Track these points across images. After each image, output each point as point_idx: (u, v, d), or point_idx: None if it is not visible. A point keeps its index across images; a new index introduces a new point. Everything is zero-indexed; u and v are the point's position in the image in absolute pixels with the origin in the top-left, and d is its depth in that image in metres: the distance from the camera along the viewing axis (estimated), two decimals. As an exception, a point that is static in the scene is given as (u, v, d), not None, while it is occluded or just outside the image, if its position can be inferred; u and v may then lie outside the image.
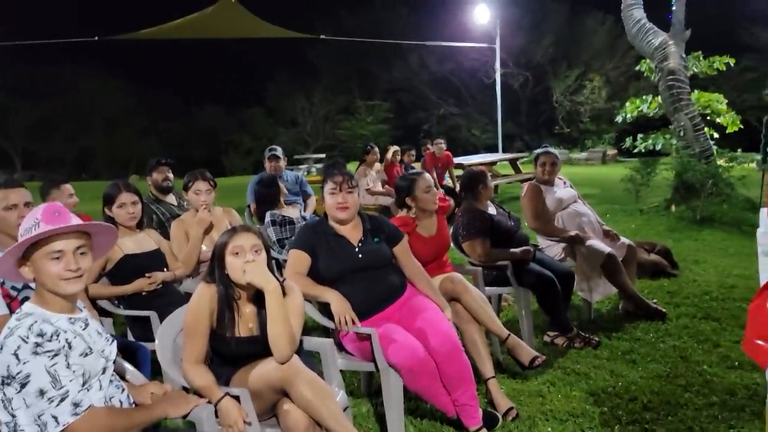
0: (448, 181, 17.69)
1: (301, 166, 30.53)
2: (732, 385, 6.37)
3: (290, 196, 10.51)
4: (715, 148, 17.09)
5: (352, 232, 5.66)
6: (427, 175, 6.83)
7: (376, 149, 15.14)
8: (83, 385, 3.81)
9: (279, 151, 11.34)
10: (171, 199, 9.03)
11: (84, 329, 3.96)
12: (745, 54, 37.28)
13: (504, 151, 30.30)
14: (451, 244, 6.86)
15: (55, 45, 23.57)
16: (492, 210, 7.64)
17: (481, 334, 6.18)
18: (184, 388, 4.51)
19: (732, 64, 19.74)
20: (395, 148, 16.51)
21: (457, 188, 11.36)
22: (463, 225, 7.35)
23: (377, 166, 15.20)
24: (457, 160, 19.47)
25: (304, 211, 10.40)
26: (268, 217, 8.64)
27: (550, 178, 8.45)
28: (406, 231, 6.33)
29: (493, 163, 21.65)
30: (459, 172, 18.13)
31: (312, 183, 12.73)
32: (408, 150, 17.06)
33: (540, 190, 8.37)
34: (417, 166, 17.41)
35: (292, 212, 8.85)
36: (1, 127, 52.75)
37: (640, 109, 20.10)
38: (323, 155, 37.29)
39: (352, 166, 11.99)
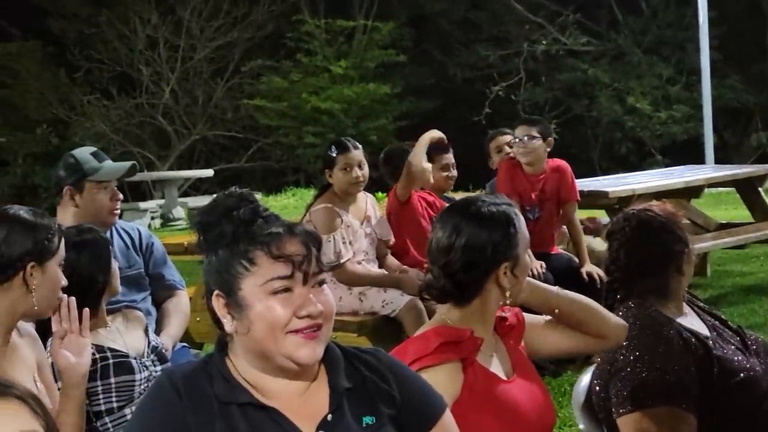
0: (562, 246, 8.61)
1: (146, 208, 21.56)
2: None
3: (128, 291, 5.47)
4: None
5: (304, 398, 2.77)
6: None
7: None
8: None
9: (110, 167, 5.58)
10: None
11: None
12: None
13: (720, 159, 22.50)
14: None
15: None
16: (696, 322, 4.01)
17: None
18: None
19: None
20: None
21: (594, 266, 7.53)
22: (633, 370, 3.75)
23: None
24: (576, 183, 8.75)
25: (159, 331, 5.54)
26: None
27: None
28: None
29: (690, 191, 11.22)
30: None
31: (175, 253, 6.85)
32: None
33: None
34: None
35: (126, 335, 4.71)
36: None
37: None
38: (210, 172, 25.18)
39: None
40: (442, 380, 3.12)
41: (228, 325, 2.71)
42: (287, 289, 2.73)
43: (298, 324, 2.72)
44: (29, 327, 4.23)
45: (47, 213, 4.27)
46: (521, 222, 3.48)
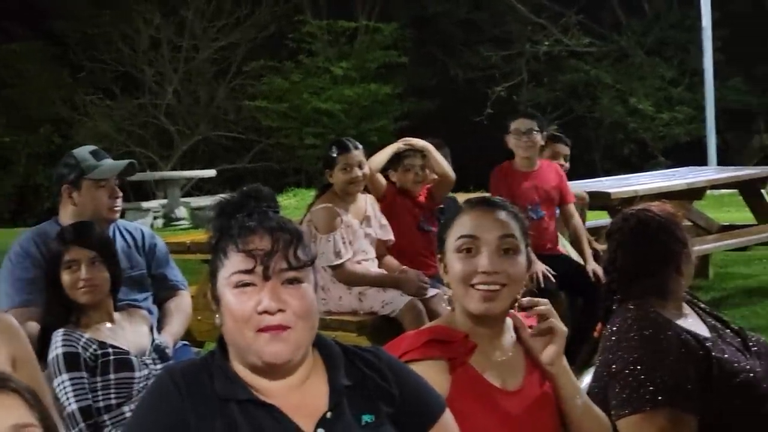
0: (565, 247, 8.30)
1: (148, 208, 21.73)
2: None
3: (129, 291, 5.56)
4: None
5: (303, 395, 2.77)
6: None
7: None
8: None
9: (107, 165, 5.59)
10: None
11: None
12: None
13: (723, 161, 21.84)
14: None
15: None
16: (696, 324, 3.92)
17: None
18: None
19: None
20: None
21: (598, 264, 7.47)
22: (632, 372, 3.70)
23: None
24: (574, 184, 9.27)
25: (161, 329, 5.56)
26: (58, 347, 4.65)
27: None
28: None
29: (693, 193, 10.92)
30: (597, 220, 10.36)
31: (178, 252, 7.23)
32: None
33: None
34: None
35: (130, 332, 4.92)
36: None
37: None
38: (212, 172, 25.41)
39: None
40: (426, 377, 3.07)
41: (216, 318, 2.73)
42: (249, 284, 2.70)
43: (262, 321, 2.69)
44: (10, 319, 4.16)
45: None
46: None
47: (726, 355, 3.72)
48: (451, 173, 7.47)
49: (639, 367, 3.62)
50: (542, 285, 7.04)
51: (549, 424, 3.31)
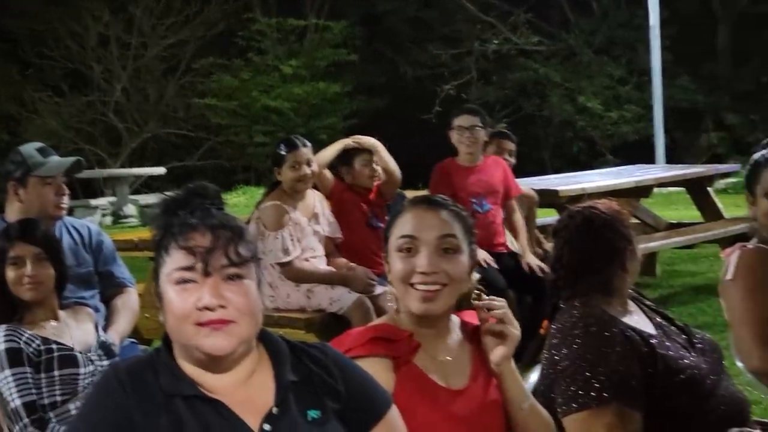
0: (513, 245, 8.22)
1: (97, 205, 21.86)
2: None
3: (76, 288, 5.51)
4: None
5: (249, 391, 2.75)
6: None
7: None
8: None
9: (54, 162, 5.59)
10: None
11: None
12: None
13: (671, 159, 22.20)
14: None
15: None
16: (641, 321, 3.89)
17: None
18: None
19: None
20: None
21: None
22: (577, 369, 3.65)
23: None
24: (523, 181, 9.28)
25: (108, 327, 5.57)
26: (0, 343, 4.60)
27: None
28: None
29: (641, 190, 11.10)
30: (545, 218, 10.08)
31: (126, 250, 7.31)
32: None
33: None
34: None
35: (75, 330, 4.87)
36: None
37: None
38: (162, 170, 25.35)
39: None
40: (371, 373, 3.06)
41: (161, 315, 2.70)
42: (190, 281, 2.69)
43: (201, 316, 2.68)
44: None
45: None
46: None
47: (671, 352, 3.71)
48: (397, 172, 7.46)
49: (584, 365, 3.61)
50: (488, 273, 7.02)
51: (494, 423, 3.30)
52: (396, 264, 3.23)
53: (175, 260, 2.70)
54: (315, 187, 7.10)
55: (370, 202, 7.37)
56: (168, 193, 2.83)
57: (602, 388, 3.54)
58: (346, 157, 7.28)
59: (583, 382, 3.57)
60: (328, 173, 7.24)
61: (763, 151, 4.59)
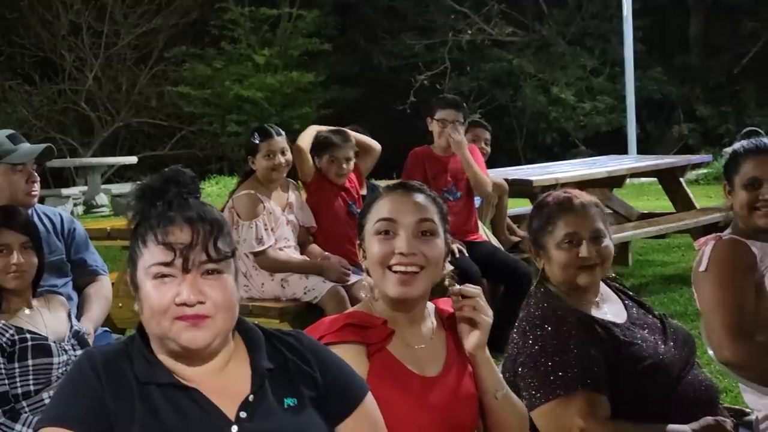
0: (486, 234, 8.52)
1: (68, 195, 21.51)
2: None
3: (48, 276, 5.33)
4: None
5: (225, 379, 2.71)
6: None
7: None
8: None
9: (24, 149, 5.53)
10: None
11: None
12: None
13: (643, 150, 22.41)
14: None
15: None
16: (612, 309, 3.88)
17: None
18: None
19: None
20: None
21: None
22: (537, 362, 3.67)
23: None
24: (497, 171, 10.16)
25: (81, 315, 5.55)
26: None
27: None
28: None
29: (613, 181, 11.10)
30: (519, 207, 10.67)
31: (98, 239, 7.30)
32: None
33: (751, 255, 4.39)
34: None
35: (48, 318, 4.82)
36: None
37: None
38: (134, 159, 24.67)
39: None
40: (344, 360, 3.03)
41: (135, 305, 2.67)
42: (168, 275, 2.66)
43: (179, 311, 2.65)
44: None
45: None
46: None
47: (634, 340, 3.71)
48: (374, 143, 7.50)
49: (544, 356, 3.62)
50: (461, 262, 6.99)
51: (467, 410, 3.28)
52: (373, 247, 3.20)
53: (153, 255, 2.66)
54: (293, 174, 7.06)
55: (348, 190, 7.29)
56: (143, 180, 2.78)
57: (567, 376, 3.54)
58: (323, 148, 7.22)
59: (545, 374, 3.58)
60: (309, 157, 7.18)
61: (743, 141, 4.55)
